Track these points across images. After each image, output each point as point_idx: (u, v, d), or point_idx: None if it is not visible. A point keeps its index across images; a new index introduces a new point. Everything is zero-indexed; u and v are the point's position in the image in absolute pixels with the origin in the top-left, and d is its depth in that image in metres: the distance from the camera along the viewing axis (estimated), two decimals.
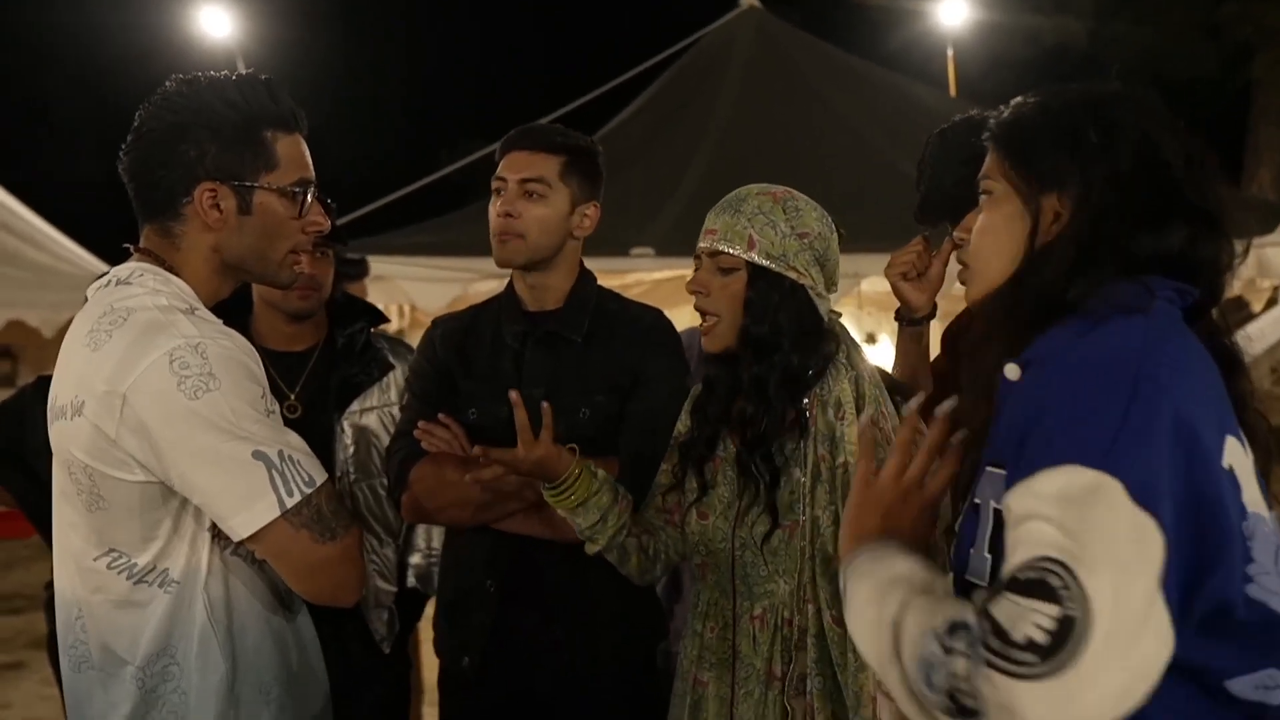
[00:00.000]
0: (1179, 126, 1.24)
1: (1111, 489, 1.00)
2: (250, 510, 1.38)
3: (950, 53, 9.09)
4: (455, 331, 2.12)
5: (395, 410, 2.29)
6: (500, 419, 1.99)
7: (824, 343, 1.73)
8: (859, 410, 1.67)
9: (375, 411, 2.31)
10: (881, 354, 7.33)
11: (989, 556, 1.16)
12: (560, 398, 1.96)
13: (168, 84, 1.50)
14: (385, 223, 7.36)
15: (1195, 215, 1.20)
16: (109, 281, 1.49)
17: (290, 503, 1.39)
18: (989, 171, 1.30)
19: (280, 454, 1.40)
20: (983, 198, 1.31)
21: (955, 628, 1.01)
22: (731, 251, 1.72)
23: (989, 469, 1.17)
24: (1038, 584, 0.98)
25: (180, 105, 1.47)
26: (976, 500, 1.19)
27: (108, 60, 16.12)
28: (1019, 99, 1.32)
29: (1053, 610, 0.96)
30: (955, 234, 1.36)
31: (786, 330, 1.70)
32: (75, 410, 1.41)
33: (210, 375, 1.37)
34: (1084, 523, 0.99)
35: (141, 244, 1.52)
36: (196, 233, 1.48)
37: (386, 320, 2.56)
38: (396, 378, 2.34)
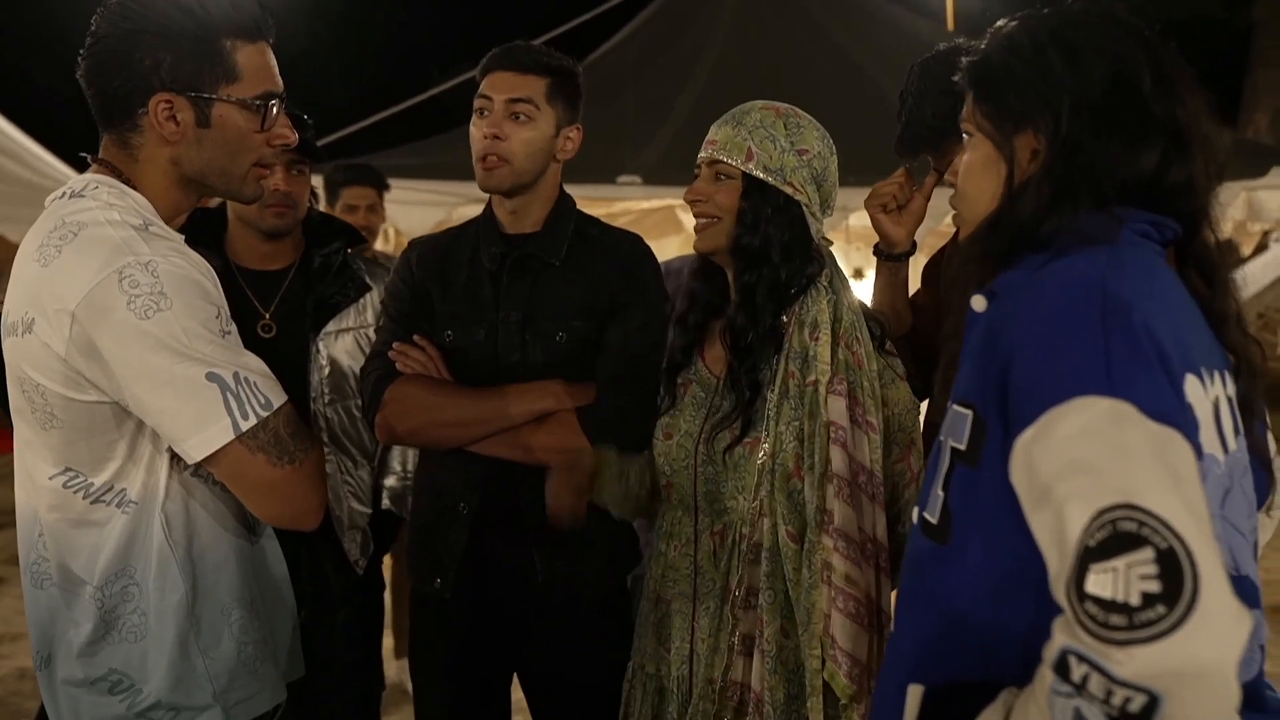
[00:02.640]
0: (1150, 40, 1.19)
1: (1127, 412, 0.97)
2: (204, 433, 1.35)
3: None
4: (432, 253, 2.08)
5: (371, 332, 2.26)
6: (476, 341, 1.98)
7: (809, 262, 1.74)
8: (834, 333, 1.68)
9: (351, 333, 2.29)
10: (868, 290, 7.25)
11: (941, 494, 1.14)
12: (537, 322, 1.95)
13: None
14: (369, 144, 7.24)
15: (1165, 134, 1.15)
16: (63, 194, 1.44)
17: (245, 425, 1.35)
18: (966, 115, 1.27)
19: (236, 376, 1.36)
20: (965, 139, 1.28)
21: (1061, 664, 0.94)
22: (730, 161, 1.73)
23: (953, 407, 1.15)
24: (1115, 538, 0.92)
25: (136, 12, 1.40)
26: (940, 438, 1.18)
27: None
28: (991, 32, 1.27)
29: (1146, 553, 0.91)
30: (947, 176, 1.34)
31: (775, 243, 1.71)
32: (25, 327, 1.37)
33: (161, 294, 1.32)
34: (1120, 451, 0.95)
35: (100, 154, 1.47)
36: (154, 145, 1.43)
37: (364, 241, 2.53)
38: (373, 299, 2.32)
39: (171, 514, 1.44)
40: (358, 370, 2.23)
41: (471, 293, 2.00)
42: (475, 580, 2.00)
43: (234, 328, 1.42)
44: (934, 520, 1.15)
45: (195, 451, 1.36)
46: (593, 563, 1.99)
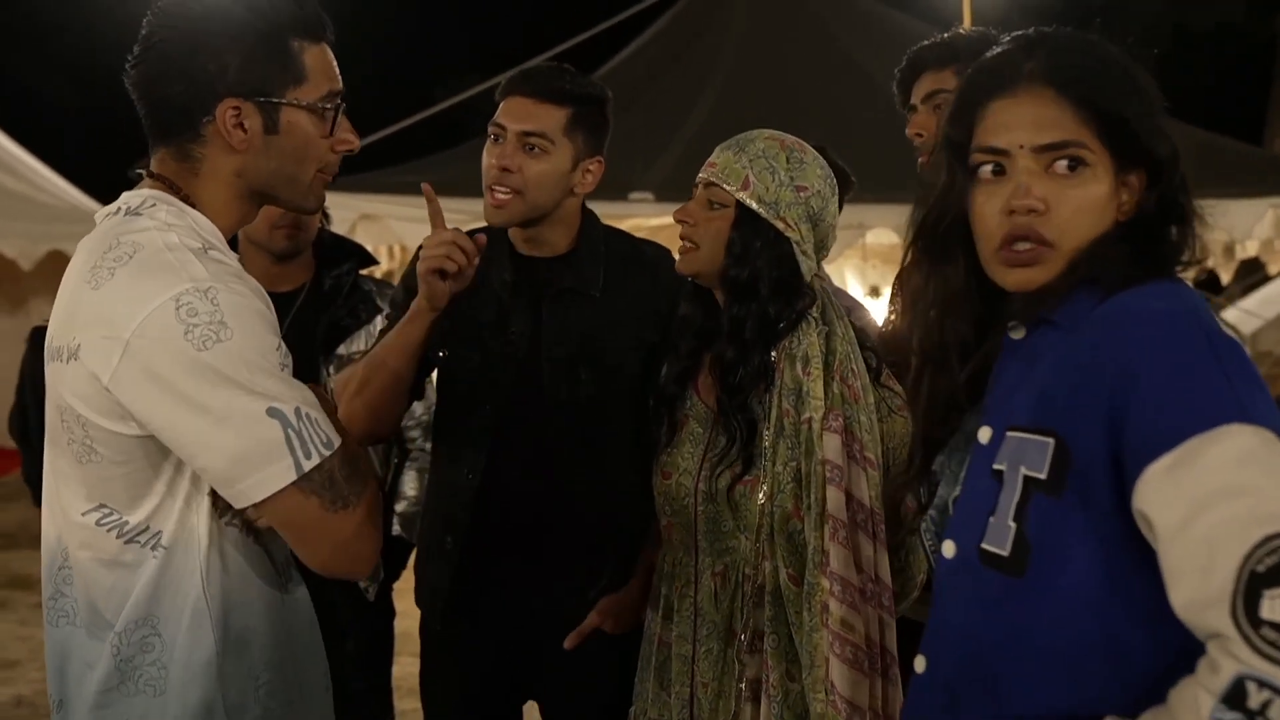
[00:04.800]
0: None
1: (1270, 439, 0.98)
2: (262, 473, 1.24)
3: None
4: None
5: None
6: (469, 365, 1.93)
7: (799, 299, 1.69)
8: (828, 366, 1.64)
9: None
10: (885, 308, 7.19)
11: (1013, 525, 1.11)
12: (589, 357, 1.89)
13: None
14: (376, 160, 7.20)
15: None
16: (118, 210, 1.35)
17: (308, 465, 1.25)
18: (1079, 136, 1.13)
19: (298, 412, 1.25)
20: (1064, 168, 1.14)
21: (1236, 691, 0.95)
22: (726, 187, 1.69)
23: (1013, 435, 1.13)
24: None
25: (196, 12, 1.31)
26: (997, 467, 1.14)
27: None
28: (1053, 34, 1.20)
29: None
30: (1021, 203, 1.15)
31: (764, 278, 1.67)
32: (71, 353, 1.28)
33: (221, 324, 1.23)
34: (1276, 478, 0.96)
35: (154, 168, 1.37)
36: (218, 155, 1.33)
37: (375, 262, 2.50)
38: (383, 320, 2.27)
39: (212, 564, 1.33)
40: None
41: (470, 314, 1.92)
42: (465, 613, 1.96)
43: (290, 361, 1.33)
44: (1004, 552, 1.12)
45: (253, 493, 1.25)
46: (572, 593, 1.93)
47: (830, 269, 5.33)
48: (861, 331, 1.75)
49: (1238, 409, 0.99)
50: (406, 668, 2.70)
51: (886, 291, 7.47)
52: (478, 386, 1.93)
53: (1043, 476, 1.09)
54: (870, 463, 1.61)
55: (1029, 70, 1.16)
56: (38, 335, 2.76)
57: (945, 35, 2.03)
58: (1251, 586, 0.94)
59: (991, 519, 1.14)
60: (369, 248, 4.36)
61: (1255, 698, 0.93)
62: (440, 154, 7.41)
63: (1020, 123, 1.15)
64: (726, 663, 1.67)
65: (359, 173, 6.34)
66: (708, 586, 1.71)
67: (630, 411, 1.87)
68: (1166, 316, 1.07)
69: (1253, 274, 8.38)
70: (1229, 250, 6.34)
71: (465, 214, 5.62)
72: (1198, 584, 0.97)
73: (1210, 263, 6.75)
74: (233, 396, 1.23)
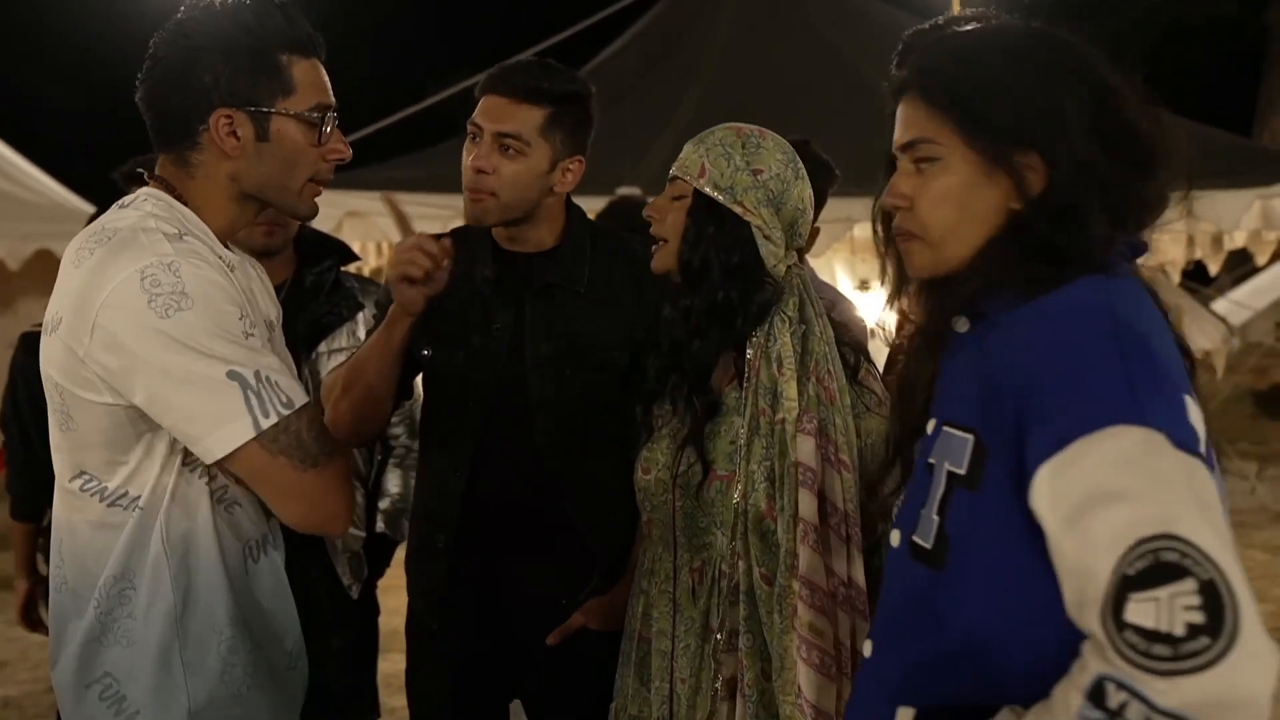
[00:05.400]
0: (1107, 62, 1.18)
1: (1158, 441, 0.98)
2: (222, 430, 1.35)
3: None
4: None
5: None
6: (455, 363, 1.92)
7: (758, 288, 1.66)
8: (804, 365, 1.63)
9: (344, 353, 2.25)
10: (875, 301, 7.22)
11: (937, 518, 1.13)
12: (575, 355, 1.88)
13: (182, 10, 1.47)
14: (361, 157, 7.16)
15: (1146, 151, 1.15)
16: (115, 205, 1.49)
17: (266, 424, 1.35)
18: (929, 133, 1.18)
19: (257, 374, 1.36)
20: (924, 164, 1.19)
21: (1097, 691, 0.96)
22: (684, 178, 1.70)
23: (946, 429, 1.14)
24: (1157, 568, 0.94)
25: (193, 30, 1.44)
26: (931, 460, 1.16)
27: None
28: (932, 44, 1.24)
29: (1188, 584, 0.93)
30: (885, 200, 1.25)
31: (716, 263, 1.66)
32: (54, 327, 1.40)
33: (182, 294, 1.34)
34: (1156, 481, 0.97)
35: (156, 172, 1.50)
36: (214, 161, 1.46)
37: (357, 258, 2.49)
38: (366, 318, 2.27)
39: (173, 520, 1.44)
40: None
41: (455, 311, 1.92)
42: (457, 613, 1.95)
43: (257, 331, 1.42)
44: (928, 545, 1.14)
45: (215, 449, 1.36)
46: (560, 593, 1.93)
47: (819, 263, 5.33)
48: (841, 327, 1.74)
49: (1127, 410, 0.99)
50: (394, 664, 2.69)
51: (876, 285, 7.47)
52: (463, 385, 1.92)
53: (962, 472, 1.11)
54: (845, 465, 1.60)
55: (902, 78, 1.23)
56: (28, 340, 2.75)
57: (940, 19, 2.02)
58: (1120, 590, 0.95)
59: (922, 511, 1.16)
60: (355, 245, 4.33)
61: (1114, 698, 0.94)
62: (425, 150, 7.38)
63: (898, 126, 1.23)
64: (704, 659, 1.67)
65: (344, 170, 6.31)
66: (685, 582, 1.71)
67: (617, 410, 1.86)
68: (1070, 316, 1.07)
69: (1241, 265, 8.39)
70: (1217, 241, 6.35)
71: (450, 210, 5.61)
72: (1081, 585, 0.99)
73: (1198, 253, 6.77)
74: (192, 360, 1.34)
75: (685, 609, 1.70)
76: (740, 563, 1.63)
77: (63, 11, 15.61)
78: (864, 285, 6.03)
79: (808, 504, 1.57)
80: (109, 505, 1.44)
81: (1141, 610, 0.93)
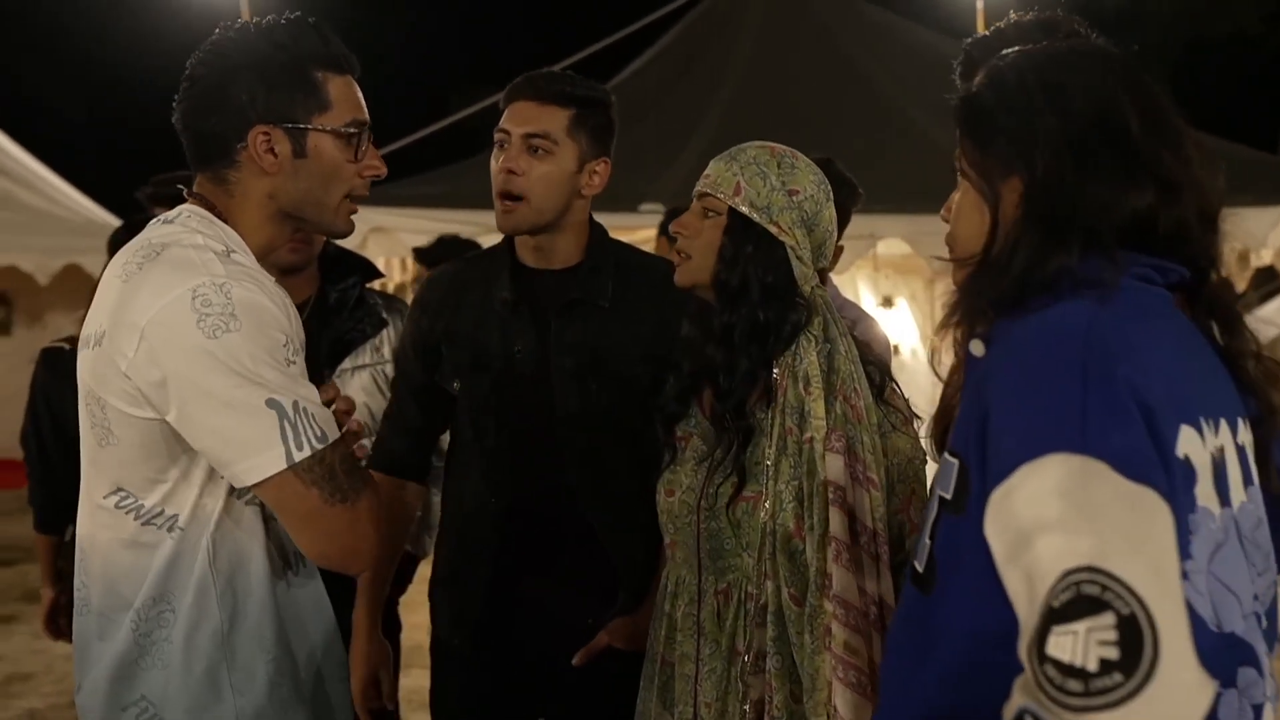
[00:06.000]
0: (1142, 82, 1.16)
1: (1099, 470, 0.95)
2: (256, 458, 1.34)
3: (980, 4, 8.74)
4: (443, 290, 2.02)
5: (388, 369, 2.23)
6: (484, 389, 1.93)
7: (792, 309, 1.66)
8: (830, 384, 1.61)
9: (368, 370, 2.26)
10: (898, 318, 7.18)
11: (929, 542, 1.13)
12: (599, 369, 1.88)
13: (217, 31, 1.48)
14: (387, 172, 7.21)
15: (1153, 178, 1.11)
16: (156, 221, 1.49)
17: (299, 456, 1.34)
18: (957, 155, 1.24)
19: (295, 405, 1.35)
20: (961, 181, 1.25)
21: None
22: (718, 196, 1.68)
23: (945, 456, 1.14)
24: (1078, 601, 0.91)
25: (229, 50, 1.45)
26: (934, 486, 1.17)
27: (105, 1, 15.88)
28: (986, 67, 1.23)
29: (1107, 619, 0.90)
30: (941, 213, 1.33)
31: (755, 281, 1.65)
32: (97, 340, 1.40)
33: (231, 316, 1.33)
34: (1088, 512, 0.94)
35: (195, 190, 1.50)
36: (252, 179, 1.46)
37: (381, 275, 2.50)
38: (390, 335, 2.28)
39: (218, 542, 1.43)
40: (373, 408, 2.20)
41: (477, 338, 1.92)
42: (497, 632, 1.95)
43: (300, 359, 1.41)
44: (920, 569, 1.14)
45: (246, 476, 1.35)
46: (593, 626, 1.92)
47: (842, 280, 5.31)
48: (864, 346, 1.72)
49: (1069, 438, 0.97)
50: (416, 680, 2.69)
51: (899, 301, 7.44)
52: (492, 410, 1.93)
53: (949, 496, 1.10)
54: (873, 483, 1.58)
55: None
56: (48, 356, 2.77)
57: (1000, 25, 1.98)
58: (1044, 622, 0.93)
59: (920, 537, 1.17)
60: (379, 261, 4.33)
61: None
62: (451, 166, 7.42)
63: None
64: (730, 683, 1.64)
65: (372, 185, 6.36)
66: (711, 605, 1.69)
67: (642, 427, 1.84)
68: (1036, 339, 1.05)
69: (1269, 282, 8.29)
70: (1244, 258, 6.28)
71: (476, 226, 5.64)
72: (1022, 614, 0.97)
73: (1225, 271, 6.66)
74: (235, 385, 1.32)
75: (711, 632, 1.68)
76: (768, 583, 1.62)
77: (88, 27, 15.83)
78: (887, 301, 6.01)
79: (839, 523, 1.56)
80: (144, 524, 1.42)
81: (1060, 644, 0.91)
